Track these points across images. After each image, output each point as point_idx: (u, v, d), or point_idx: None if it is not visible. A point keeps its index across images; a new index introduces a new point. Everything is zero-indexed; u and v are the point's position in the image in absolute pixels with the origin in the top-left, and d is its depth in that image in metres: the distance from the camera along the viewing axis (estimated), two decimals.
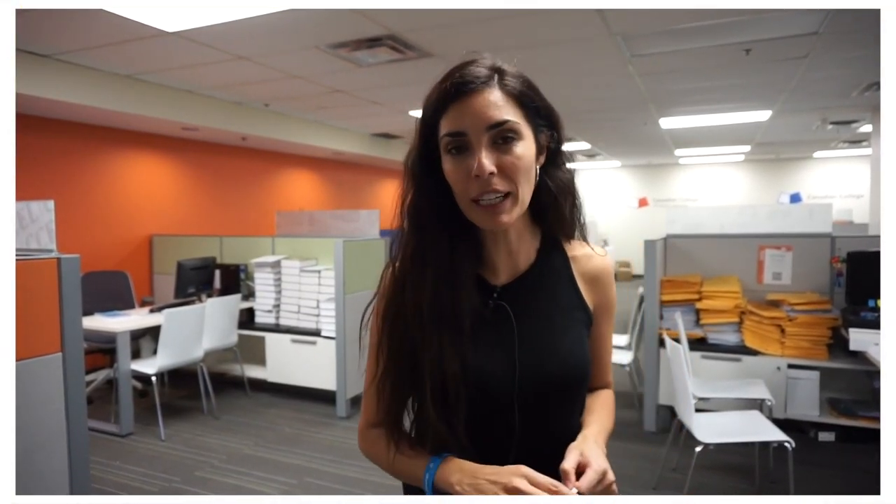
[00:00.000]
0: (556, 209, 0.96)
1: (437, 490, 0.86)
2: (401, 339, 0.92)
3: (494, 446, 0.91)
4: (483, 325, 0.90)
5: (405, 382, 0.93)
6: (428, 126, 0.90)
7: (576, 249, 1.02)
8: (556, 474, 0.86)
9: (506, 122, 0.85)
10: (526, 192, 0.87)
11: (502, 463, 0.86)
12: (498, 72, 0.89)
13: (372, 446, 1.00)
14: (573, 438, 0.91)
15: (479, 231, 0.93)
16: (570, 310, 0.97)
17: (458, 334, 0.88)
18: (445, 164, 0.87)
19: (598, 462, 0.84)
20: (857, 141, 9.41)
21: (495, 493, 0.80)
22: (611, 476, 0.84)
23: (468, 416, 0.88)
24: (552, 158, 0.95)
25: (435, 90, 0.89)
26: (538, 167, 0.92)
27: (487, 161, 0.83)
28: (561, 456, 0.86)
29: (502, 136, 0.85)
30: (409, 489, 1.02)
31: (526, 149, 0.86)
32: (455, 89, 0.86)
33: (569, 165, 0.98)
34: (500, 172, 0.84)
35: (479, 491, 0.81)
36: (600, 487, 0.82)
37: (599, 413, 1.02)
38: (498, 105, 0.85)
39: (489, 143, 0.84)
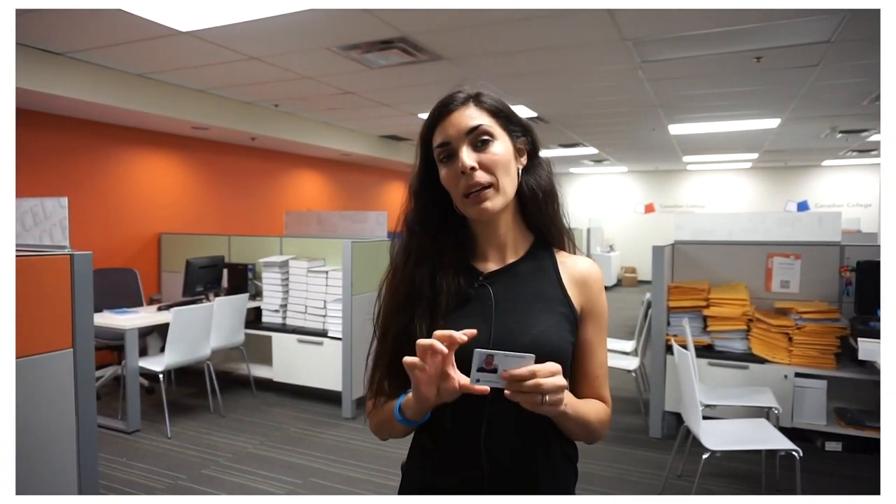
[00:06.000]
0: (536, 204, 1.09)
1: (402, 411, 0.98)
2: (387, 319, 1.08)
3: (469, 412, 1.00)
4: (466, 304, 1.04)
5: (387, 357, 1.06)
6: (424, 146, 1.08)
7: (565, 255, 1.13)
8: (526, 443, 1.01)
9: (479, 125, 1.02)
10: (507, 183, 1.03)
11: (477, 429, 0.99)
12: (474, 95, 1.06)
13: (371, 419, 1.12)
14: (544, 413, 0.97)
15: (472, 228, 1.09)
16: (551, 301, 1.06)
17: (434, 310, 1.03)
18: (441, 173, 1.04)
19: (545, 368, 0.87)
20: (865, 150, 9.36)
21: (420, 377, 0.89)
22: (543, 381, 0.85)
23: None
24: (531, 160, 1.11)
25: (427, 118, 1.07)
26: (519, 168, 1.08)
27: (468, 158, 1.00)
28: (531, 429, 1.00)
29: (479, 139, 1.02)
30: (406, 490, 1.13)
31: (502, 148, 1.03)
32: (439, 111, 1.05)
33: (546, 167, 1.13)
34: (481, 167, 1.00)
35: (414, 382, 0.91)
36: (526, 385, 0.85)
37: (584, 401, 1.04)
38: (473, 116, 1.03)
39: (469, 145, 1.01)
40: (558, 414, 0.92)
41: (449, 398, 0.91)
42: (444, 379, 0.89)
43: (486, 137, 1.02)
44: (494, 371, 0.86)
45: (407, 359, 0.89)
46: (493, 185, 1.01)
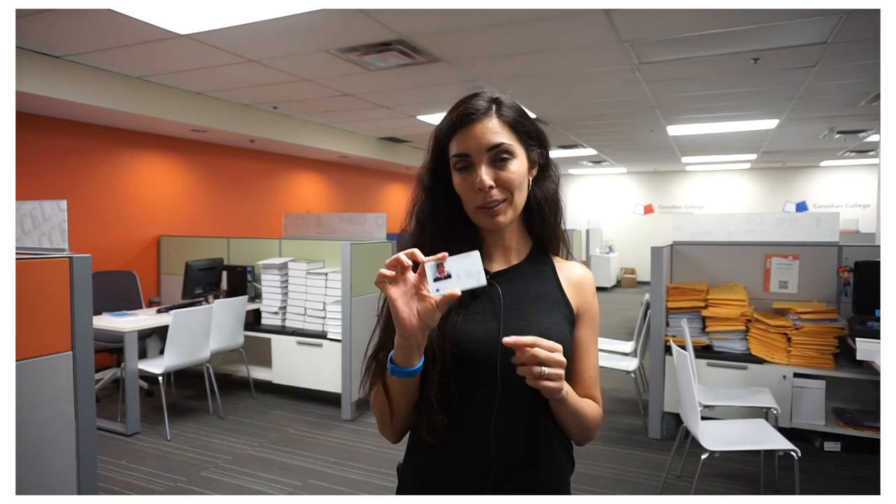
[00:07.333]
0: (540, 213, 1.13)
1: (393, 362, 0.99)
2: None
3: (479, 404, 1.03)
4: (475, 300, 1.07)
5: (390, 347, 1.06)
6: (439, 148, 1.09)
7: (561, 261, 1.18)
8: (532, 436, 1.05)
9: (501, 144, 1.03)
10: (519, 199, 1.07)
11: (486, 423, 1.02)
12: (496, 103, 1.06)
13: (373, 402, 1.11)
14: (549, 408, 1.04)
15: (479, 230, 1.11)
16: (553, 301, 1.11)
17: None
18: (455, 179, 1.06)
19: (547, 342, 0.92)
20: (864, 150, 9.38)
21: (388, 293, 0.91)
22: (539, 352, 0.90)
23: (458, 374, 1.01)
24: (541, 171, 1.14)
25: (446, 119, 1.07)
26: (530, 179, 1.11)
27: (487, 177, 1.02)
28: (538, 421, 1.05)
29: (499, 156, 1.03)
30: (404, 491, 1.15)
31: (519, 165, 1.05)
32: (460, 119, 1.04)
33: (554, 177, 1.16)
34: (497, 185, 1.02)
35: (391, 304, 0.92)
36: (526, 354, 0.90)
37: (581, 398, 1.08)
38: (495, 131, 1.03)
39: (488, 162, 1.03)
40: (558, 397, 0.96)
41: (430, 321, 0.93)
42: (420, 301, 0.92)
43: (505, 156, 1.03)
44: (449, 277, 0.91)
45: (381, 271, 0.91)
46: (507, 201, 1.04)
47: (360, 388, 1.13)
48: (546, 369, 0.90)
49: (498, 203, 1.03)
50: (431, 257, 0.91)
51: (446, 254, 0.91)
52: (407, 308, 0.92)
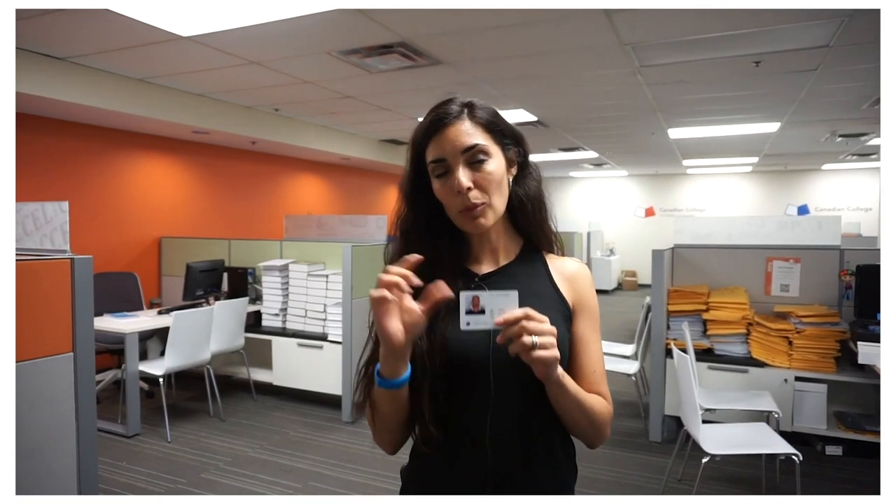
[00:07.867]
0: (524, 213, 1.12)
1: (381, 375, 0.98)
2: None
3: (473, 411, 1.03)
4: None
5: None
6: (416, 156, 1.09)
7: (554, 258, 1.17)
8: (529, 440, 1.03)
9: (475, 145, 1.03)
10: (499, 201, 1.06)
11: (481, 427, 1.02)
12: (468, 106, 1.06)
13: (368, 415, 1.10)
14: (546, 410, 1.03)
15: (465, 234, 1.11)
16: (547, 298, 1.09)
17: (433, 315, 1.00)
18: (435, 186, 1.06)
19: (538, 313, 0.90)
20: (865, 154, 9.37)
21: (378, 310, 0.91)
22: (527, 323, 0.88)
23: (451, 382, 1.01)
24: (521, 170, 1.13)
25: (419, 127, 1.08)
26: (510, 178, 1.10)
27: (464, 179, 1.01)
28: (534, 425, 1.03)
29: (475, 157, 1.03)
30: (405, 492, 1.15)
31: (496, 165, 1.05)
32: (433, 125, 1.05)
33: (535, 175, 1.15)
34: (476, 186, 1.02)
35: (377, 318, 0.92)
36: (515, 327, 0.88)
37: (584, 392, 1.06)
38: (468, 132, 1.03)
39: (465, 164, 1.02)
40: (554, 378, 0.94)
41: (416, 330, 0.93)
42: (406, 313, 0.92)
43: (482, 157, 1.03)
44: (482, 312, 0.89)
45: (372, 291, 0.91)
46: (487, 203, 1.04)
47: (353, 395, 1.12)
48: (537, 339, 0.88)
49: (479, 206, 1.02)
50: (471, 293, 0.90)
51: (485, 292, 0.91)
52: (394, 322, 0.91)
